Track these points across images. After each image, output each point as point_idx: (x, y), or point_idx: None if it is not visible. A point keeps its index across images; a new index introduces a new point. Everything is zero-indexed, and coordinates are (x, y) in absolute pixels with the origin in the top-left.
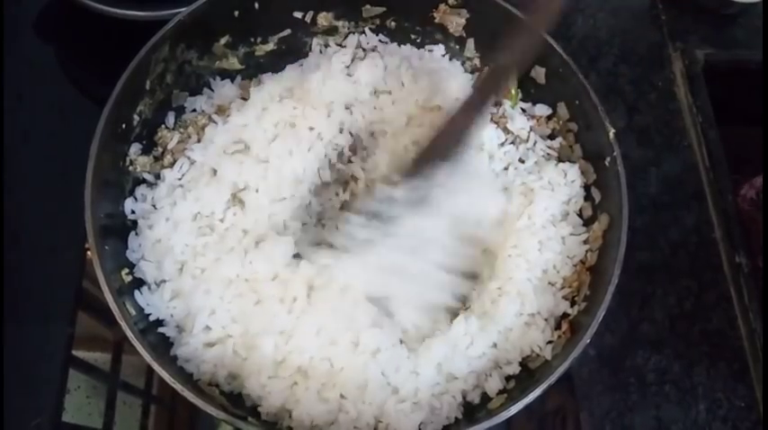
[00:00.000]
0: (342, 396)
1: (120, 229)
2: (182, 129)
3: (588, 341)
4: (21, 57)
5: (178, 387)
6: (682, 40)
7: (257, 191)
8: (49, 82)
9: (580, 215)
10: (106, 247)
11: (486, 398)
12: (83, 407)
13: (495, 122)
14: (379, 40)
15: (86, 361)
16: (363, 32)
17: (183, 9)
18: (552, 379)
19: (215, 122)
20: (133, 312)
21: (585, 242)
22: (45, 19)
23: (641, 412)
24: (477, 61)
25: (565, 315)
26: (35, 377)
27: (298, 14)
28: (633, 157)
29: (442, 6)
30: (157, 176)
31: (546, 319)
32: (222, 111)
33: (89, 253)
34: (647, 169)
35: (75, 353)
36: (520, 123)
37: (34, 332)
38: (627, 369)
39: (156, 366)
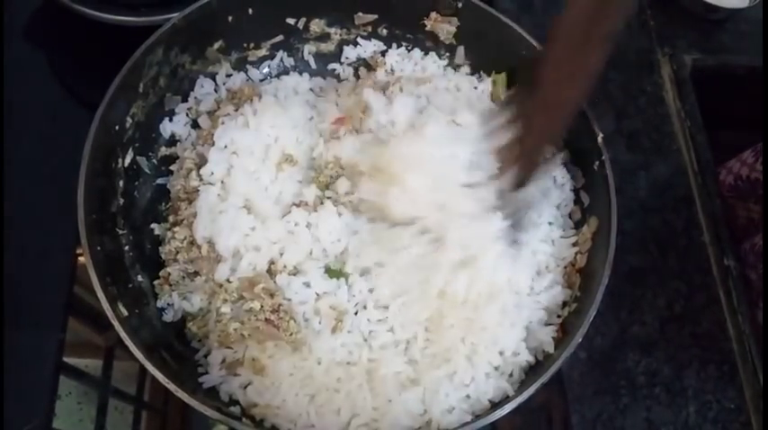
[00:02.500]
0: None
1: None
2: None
3: (579, 340)
4: (11, 61)
5: (172, 387)
6: (670, 46)
7: None
8: (39, 86)
9: (569, 218)
10: (98, 248)
11: None
12: (74, 414)
13: None
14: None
15: (77, 367)
16: (356, 41)
17: (175, 15)
18: (544, 378)
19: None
20: (125, 313)
21: (575, 244)
22: (36, 23)
23: (632, 414)
24: (467, 68)
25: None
26: (26, 383)
27: (291, 21)
28: (622, 161)
29: (433, 14)
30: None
31: None
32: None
33: (80, 258)
34: (636, 173)
35: (65, 359)
36: None
37: (25, 338)
38: (617, 371)
39: (149, 366)
